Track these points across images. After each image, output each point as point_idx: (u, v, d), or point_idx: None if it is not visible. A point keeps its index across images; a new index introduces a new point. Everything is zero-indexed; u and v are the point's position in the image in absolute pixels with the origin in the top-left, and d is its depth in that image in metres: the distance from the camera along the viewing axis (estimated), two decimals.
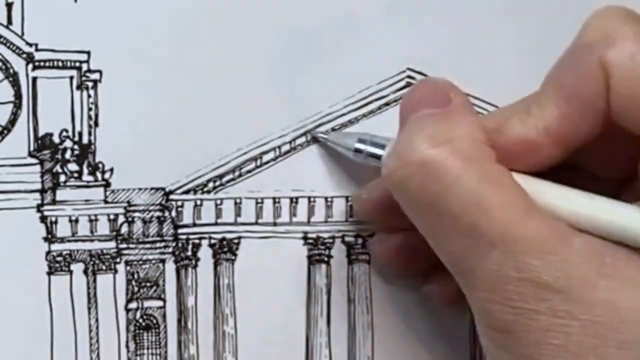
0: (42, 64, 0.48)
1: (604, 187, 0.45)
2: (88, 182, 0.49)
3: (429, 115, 0.44)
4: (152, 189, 0.50)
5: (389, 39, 0.51)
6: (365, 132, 0.49)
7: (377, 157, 0.48)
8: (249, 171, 0.51)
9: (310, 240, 0.52)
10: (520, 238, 0.40)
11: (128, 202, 0.50)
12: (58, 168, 0.49)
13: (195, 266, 0.51)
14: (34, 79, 0.48)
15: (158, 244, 0.50)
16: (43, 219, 0.49)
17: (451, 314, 0.52)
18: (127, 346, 0.50)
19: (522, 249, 0.40)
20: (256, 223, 0.51)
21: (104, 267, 0.50)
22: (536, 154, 0.44)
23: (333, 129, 0.51)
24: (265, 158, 0.51)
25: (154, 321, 0.50)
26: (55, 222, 0.49)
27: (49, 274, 0.49)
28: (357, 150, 0.48)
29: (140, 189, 0.50)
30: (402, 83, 0.52)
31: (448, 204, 0.41)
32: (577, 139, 0.44)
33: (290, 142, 0.51)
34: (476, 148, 0.42)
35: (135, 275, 0.50)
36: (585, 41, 0.43)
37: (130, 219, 0.50)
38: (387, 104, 0.52)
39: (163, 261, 0.50)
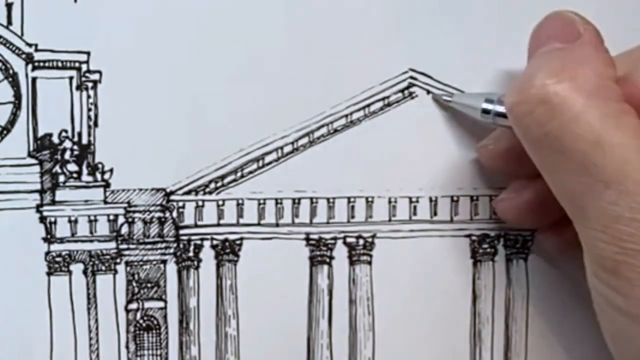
0: (41, 64, 0.48)
1: None
2: (87, 182, 0.49)
3: (556, 50, 0.44)
4: (152, 189, 0.50)
5: (391, 39, 0.51)
6: (492, 92, 0.49)
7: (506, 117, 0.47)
8: (251, 172, 0.51)
9: (312, 241, 0.51)
10: (637, 179, 0.40)
11: (128, 202, 0.49)
12: (57, 168, 0.49)
13: (197, 267, 0.51)
14: (34, 80, 0.48)
15: (159, 245, 0.50)
16: (42, 219, 0.49)
17: (451, 315, 0.52)
18: (127, 347, 0.50)
19: (638, 190, 0.40)
20: (258, 224, 0.51)
21: (103, 268, 0.49)
22: None
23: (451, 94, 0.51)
24: (268, 159, 0.51)
25: (155, 322, 0.50)
26: (55, 223, 0.49)
27: (49, 274, 0.49)
28: (485, 111, 0.48)
29: (140, 189, 0.49)
30: (405, 84, 0.51)
31: (566, 141, 0.41)
32: None
33: (292, 143, 0.51)
34: (601, 85, 0.42)
35: (136, 276, 0.50)
36: None
37: (130, 219, 0.50)
38: (389, 105, 0.51)
39: (164, 262, 0.50)
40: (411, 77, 0.51)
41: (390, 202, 0.52)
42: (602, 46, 0.44)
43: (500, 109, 0.48)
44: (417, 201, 0.52)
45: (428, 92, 0.52)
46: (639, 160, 0.41)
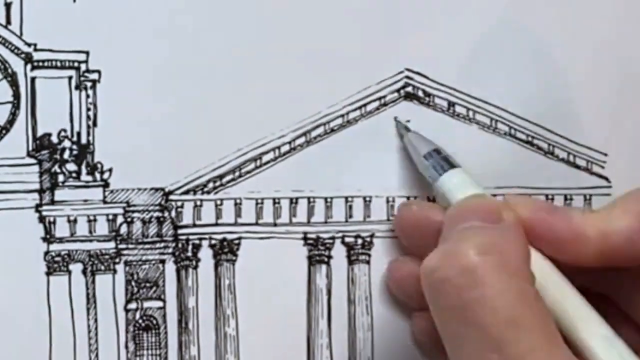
0: (40, 63, 0.48)
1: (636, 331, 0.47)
2: (87, 182, 0.49)
3: (481, 227, 0.44)
4: (151, 189, 0.50)
5: (388, 39, 0.51)
6: (442, 149, 0.49)
7: (434, 178, 0.49)
8: (248, 171, 0.51)
9: (310, 241, 0.52)
10: None
11: (127, 202, 0.50)
12: (57, 168, 0.49)
13: (195, 267, 0.51)
14: (33, 79, 0.49)
15: (158, 245, 0.50)
16: (41, 219, 0.49)
17: None
18: (126, 347, 0.50)
19: None
20: (256, 224, 0.51)
21: (102, 268, 0.49)
22: (578, 250, 0.45)
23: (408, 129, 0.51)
24: (265, 158, 0.51)
25: (154, 322, 0.50)
26: (54, 222, 0.49)
27: (48, 274, 0.49)
28: (425, 157, 0.49)
29: (139, 189, 0.50)
30: (401, 83, 0.52)
31: (482, 314, 0.41)
32: (626, 259, 0.45)
33: (289, 143, 0.51)
34: (520, 266, 0.42)
35: (135, 276, 0.50)
36: None
37: (129, 219, 0.50)
38: (385, 105, 0.52)
39: (163, 262, 0.50)
40: (407, 77, 0.52)
41: (388, 201, 0.52)
42: (523, 234, 0.45)
43: (439, 163, 0.49)
44: None
45: (424, 92, 0.52)
46: (546, 348, 0.41)
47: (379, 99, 0.52)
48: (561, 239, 0.45)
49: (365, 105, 0.52)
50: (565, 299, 0.44)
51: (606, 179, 0.54)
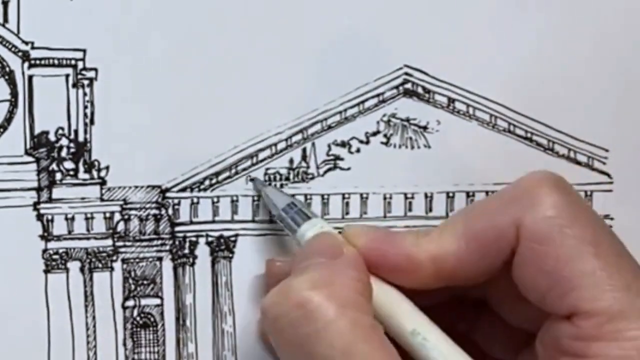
0: (38, 62, 0.48)
1: (512, 334, 0.48)
2: (84, 180, 0.49)
3: (318, 263, 0.45)
4: (148, 186, 0.50)
5: (386, 35, 0.51)
6: (300, 201, 0.49)
7: (293, 230, 0.48)
8: (245, 169, 0.51)
9: None
10: None
11: (124, 200, 0.50)
12: (54, 166, 0.49)
13: (192, 264, 0.51)
14: (30, 77, 0.49)
15: (155, 242, 0.50)
16: (39, 217, 0.49)
17: None
18: (124, 344, 0.50)
19: None
20: (253, 221, 0.51)
21: (100, 265, 0.50)
22: (414, 274, 0.45)
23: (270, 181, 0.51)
24: (261, 155, 0.51)
25: (152, 319, 0.50)
26: (52, 220, 0.49)
27: (46, 272, 0.49)
28: (284, 211, 0.49)
29: (136, 186, 0.50)
30: (399, 80, 0.52)
31: (318, 347, 0.41)
32: (461, 279, 0.45)
33: (286, 140, 0.51)
34: (352, 297, 0.43)
35: (132, 273, 0.50)
36: (509, 197, 0.45)
37: (126, 216, 0.50)
38: (383, 101, 0.52)
39: (160, 259, 0.50)
40: (406, 74, 0.52)
41: (385, 198, 0.52)
42: (362, 267, 0.45)
43: (290, 221, 0.48)
44: (413, 197, 0.52)
45: (424, 88, 0.52)
46: None
47: (378, 95, 0.52)
48: (396, 266, 0.45)
49: (363, 102, 0.51)
50: (413, 326, 0.45)
51: (608, 174, 0.54)
